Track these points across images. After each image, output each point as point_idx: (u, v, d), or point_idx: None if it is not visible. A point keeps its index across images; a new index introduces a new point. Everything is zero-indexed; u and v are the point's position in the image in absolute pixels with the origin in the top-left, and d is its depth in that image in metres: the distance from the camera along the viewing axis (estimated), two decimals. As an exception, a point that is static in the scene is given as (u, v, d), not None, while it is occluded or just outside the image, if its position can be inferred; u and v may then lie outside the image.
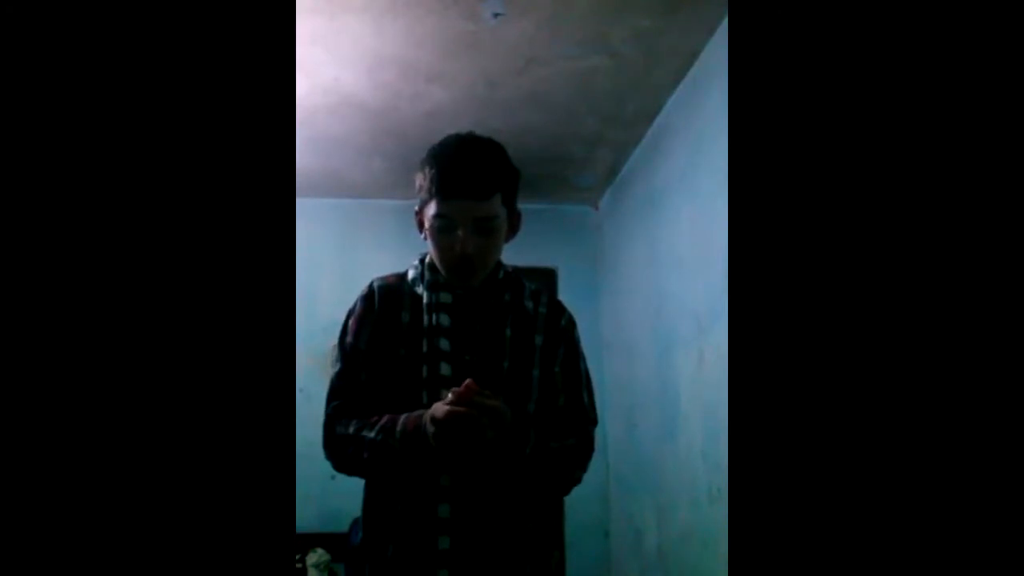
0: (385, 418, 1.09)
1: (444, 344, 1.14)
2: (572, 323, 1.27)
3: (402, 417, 1.08)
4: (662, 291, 2.88)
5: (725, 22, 2.27)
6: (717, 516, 2.23)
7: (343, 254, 3.98)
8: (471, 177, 1.12)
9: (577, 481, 1.20)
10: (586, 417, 1.22)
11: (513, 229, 1.23)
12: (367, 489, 1.18)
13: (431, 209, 1.14)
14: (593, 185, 3.82)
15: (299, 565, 3.34)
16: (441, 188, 1.12)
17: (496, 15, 2.28)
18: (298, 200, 3.66)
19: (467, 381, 1.02)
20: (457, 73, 2.64)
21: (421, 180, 1.17)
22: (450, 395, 1.01)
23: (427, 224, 1.17)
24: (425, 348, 1.14)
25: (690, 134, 2.59)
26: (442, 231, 1.14)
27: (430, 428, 1.02)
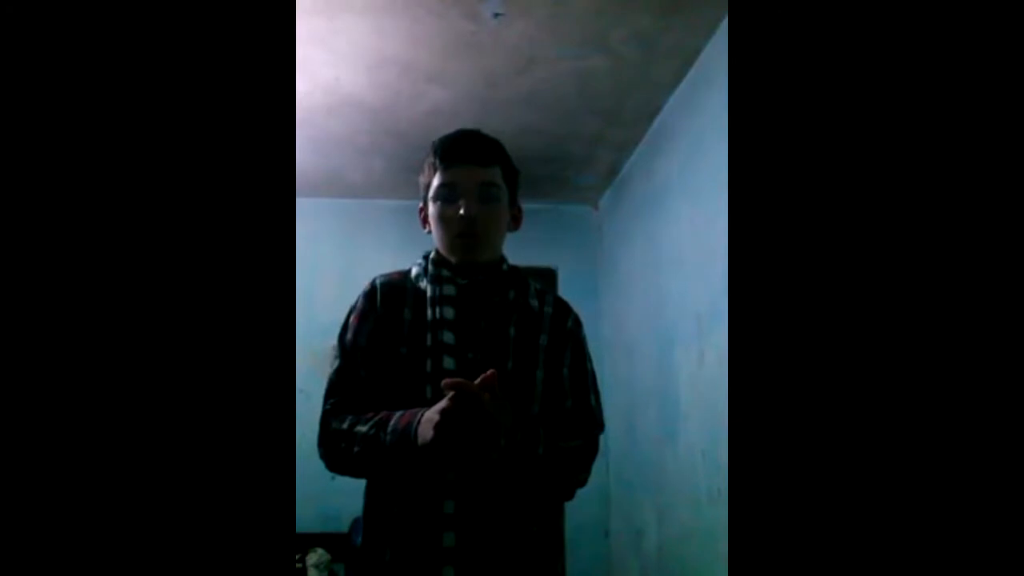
0: (380, 414, 1.08)
1: (448, 337, 1.12)
2: (579, 324, 1.26)
3: (397, 413, 1.06)
4: (662, 291, 2.89)
5: (725, 22, 2.27)
6: (717, 516, 2.23)
7: (343, 254, 3.98)
8: (472, 144, 1.19)
9: (582, 484, 1.18)
10: (593, 421, 1.21)
11: (516, 222, 1.26)
12: (368, 490, 1.16)
13: (435, 182, 1.18)
14: (593, 185, 3.83)
15: (299, 565, 3.34)
16: (444, 157, 1.18)
17: (496, 15, 2.28)
18: (298, 200, 3.67)
19: (456, 381, 0.98)
20: (457, 73, 2.65)
21: (424, 170, 1.22)
22: (448, 399, 0.99)
23: (431, 199, 1.19)
24: (429, 342, 1.12)
25: (690, 134, 2.59)
26: (446, 200, 1.17)
27: (425, 433, 0.99)
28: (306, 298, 3.71)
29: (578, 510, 3.51)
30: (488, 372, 0.99)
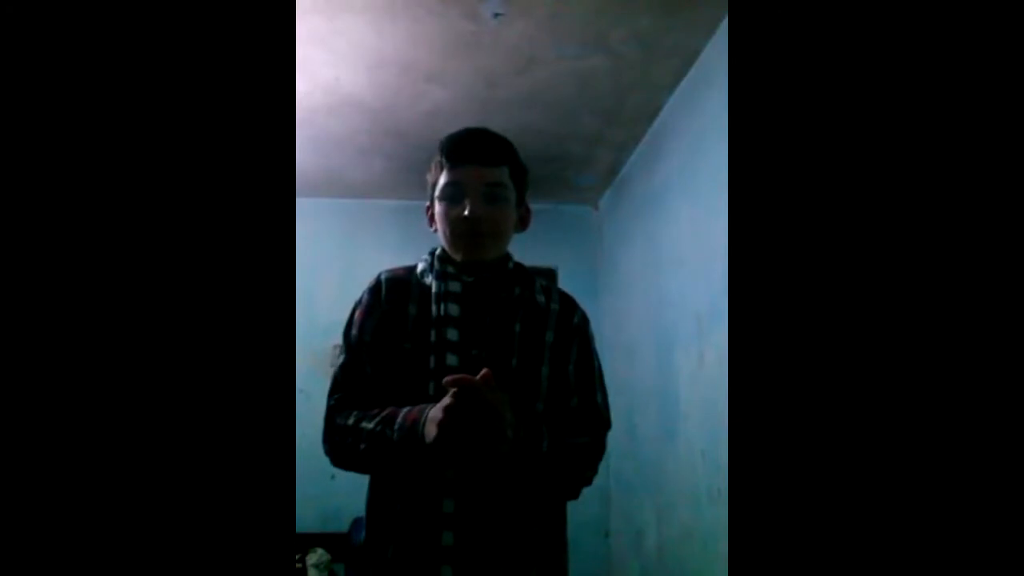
0: (387, 410, 1.08)
1: (452, 334, 1.12)
2: (585, 320, 1.25)
3: (403, 410, 1.06)
4: (662, 291, 2.89)
5: (725, 22, 2.27)
6: (717, 516, 2.23)
7: (343, 254, 3.99)
8: (479, 144, 1.18)
9: (588, 482, 1.17)
10: (599, 419, 1.20)
11: (523, 222, 1.26)
12: (371, 487, 1.16)
13: (441, 181, 1.18)
14: (593, 185, 3.83)
15: (299, 565, 3.34)
16: (450, 156, 1.17)
17: (496, 15, 2.28)
18: (298, 200, 3.68)
19: (457, 377, 0.98)
20: (457, 73, 2.65)
21: (432, 169, 1.22)
22: (449, 396, 0.99)
23: (437, 198, 1.19)
24: (433, 338, 1.12)
25: (690, 134, 2.59)
26: (451, 200, 1.17)
27: (431, 431, 1.00)
28: (306, 298, 3.72)
29: (578, 510, 3.48)
30: (483, 371, 0.99)
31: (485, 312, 1.15)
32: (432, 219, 1.23)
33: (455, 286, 1.16)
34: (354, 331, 1.18)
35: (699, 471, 2.41)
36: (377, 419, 1.07)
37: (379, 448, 1.06)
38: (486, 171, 1.16)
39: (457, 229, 1.16)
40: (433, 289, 1.17)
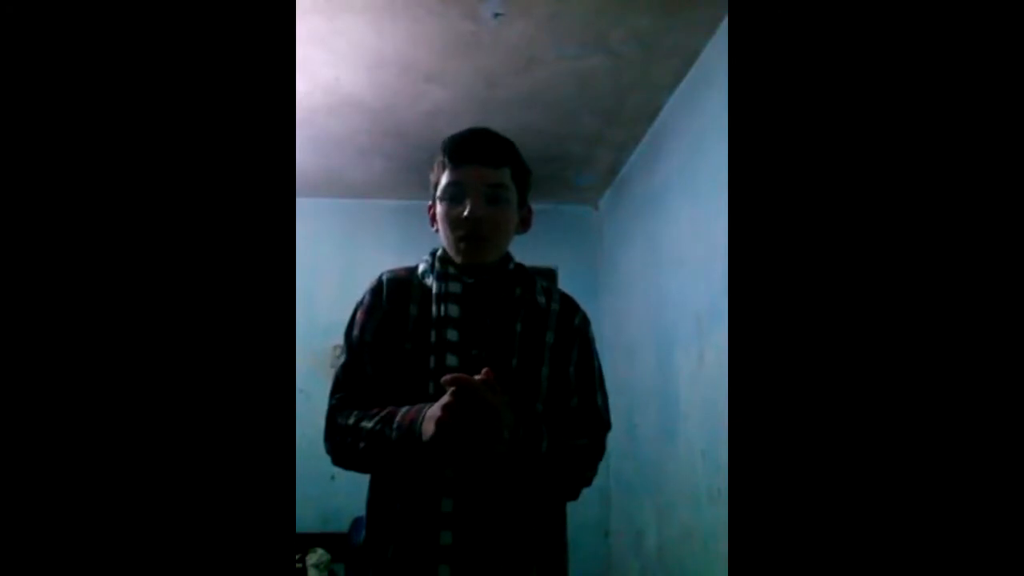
0: (386, 410, 1.08)
1: (452, 335, 1.12)
2: (586, 321, 1.25)
3: (402, 409, 1.06)
4: (662, 291, 2.89)
5: (725, 22, 2.27)
6: (717, 516, 2.23)
7: (343, 254, 3.99)
8: (481, 144, 1.18)
9: (587, 483, 1.18)
10: (599, 420, 1.20)
11: (525, 223, 1.26)
12: (371, 487, 1.17)
13: (443, 181, 1.18)
14: (593, 185, 3.83)
15: (299, 565, 3.34)
16: (452, 156, 1.17)
17: (496, 15, 2.28)
18: (298, 200, 3.68)
19: (455, 376, 0.99)
20: (457, 73, 2.65)
21: (434, 168, 1.22)
22: (448, 394, 0.99)
23: (438, 198, 1.19)
24: (433, 339, 1.12)
25: (690, 134, 2.59)
26: (452, 200, 1.16)
27: (428, 428, 1.00)
28: (306, 298, 3.72)
29: (578, 510, 3.48)
30: (484, 370, 0.99)
31: (485, 313, 1.15)
32: (434, 218, 1.23)
33: (455, 287, 1.16)
34: (355, 331, 1.19)
35: (699, 471, 2.41)
36: (376, 418, 1.08)
37: (378, 447, 1.06)
38: (488, 172, 1.16)
39: (458, 230, 1.16)
40: (433, 290, 1.17)
